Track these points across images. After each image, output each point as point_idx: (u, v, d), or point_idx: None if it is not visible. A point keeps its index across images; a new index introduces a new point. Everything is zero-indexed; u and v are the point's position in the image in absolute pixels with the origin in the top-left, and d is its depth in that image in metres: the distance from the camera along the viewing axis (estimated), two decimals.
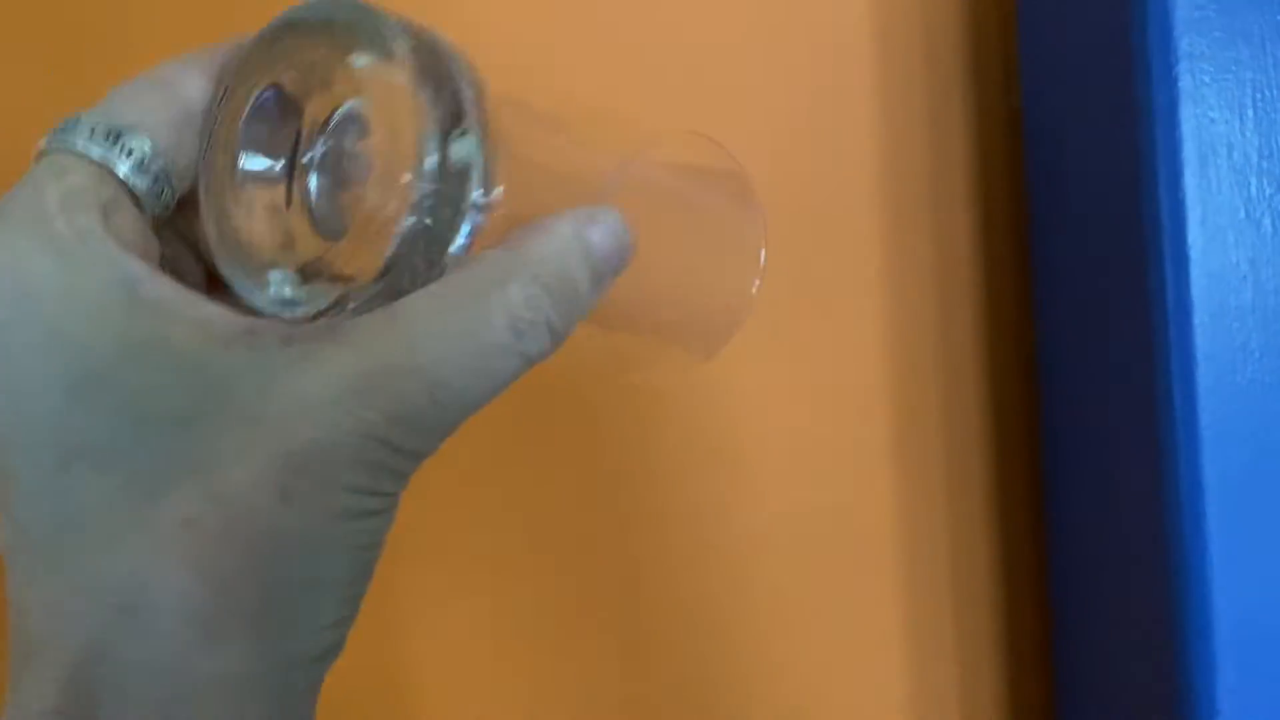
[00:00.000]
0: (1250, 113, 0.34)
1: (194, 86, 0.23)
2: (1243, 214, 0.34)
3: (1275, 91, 0.34)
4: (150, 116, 0.22)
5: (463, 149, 0.20)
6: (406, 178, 0.20)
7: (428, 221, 0.20)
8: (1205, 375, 0.34)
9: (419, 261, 0.20)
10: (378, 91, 0.20)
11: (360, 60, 0.20)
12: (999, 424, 0.43)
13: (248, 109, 0.22)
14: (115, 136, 0.21)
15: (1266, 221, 0.34)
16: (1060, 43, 0.40)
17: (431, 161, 0.20)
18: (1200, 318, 0.34)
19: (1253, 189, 0.34)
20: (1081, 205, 0.39)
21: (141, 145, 0.22)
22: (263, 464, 0.19)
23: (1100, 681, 0.40)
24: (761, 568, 0.41)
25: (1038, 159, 0.42)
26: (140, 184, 0.22)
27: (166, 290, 0.21)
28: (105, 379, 0.20)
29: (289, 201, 0.22)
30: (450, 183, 0.20)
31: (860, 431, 0.42)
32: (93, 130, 0.21)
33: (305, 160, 0.22)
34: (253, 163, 0.22)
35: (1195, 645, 0.34)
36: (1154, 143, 0.34)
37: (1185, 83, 0.34)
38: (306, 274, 0.21)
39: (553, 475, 0.39)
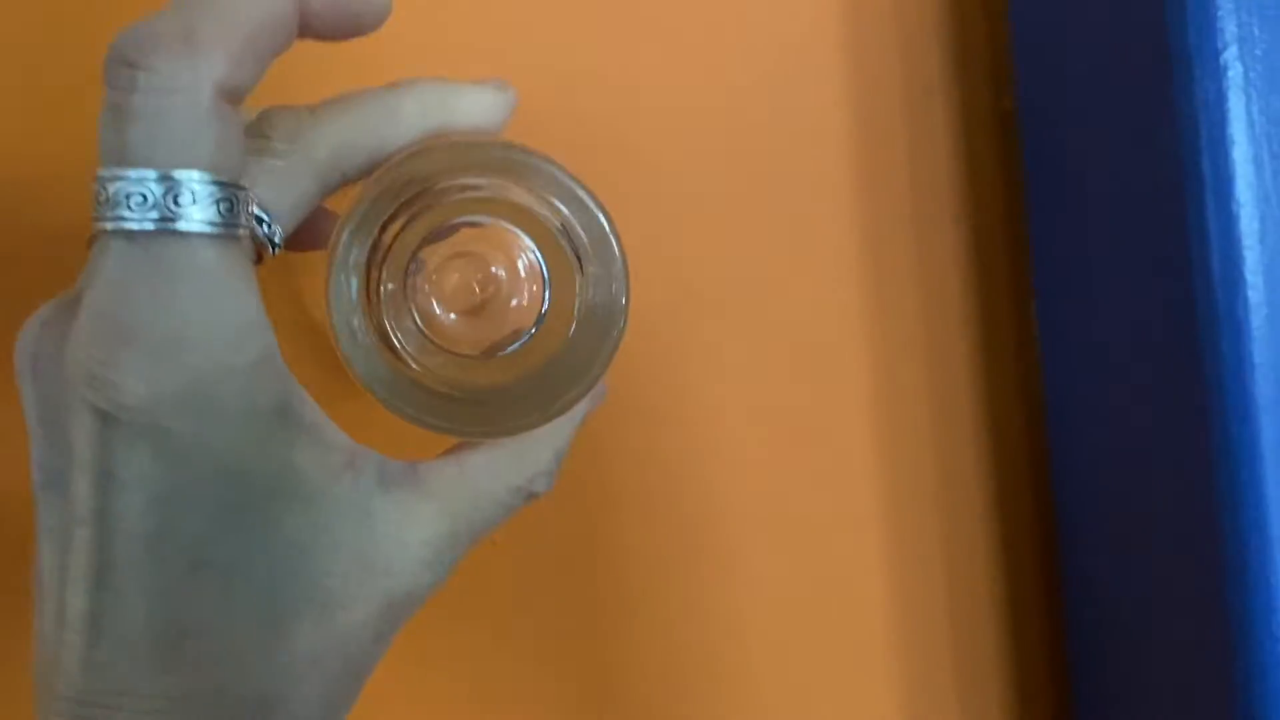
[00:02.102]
0: None
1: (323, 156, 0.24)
2: None
3: None
4: (282, 199, 0.23)
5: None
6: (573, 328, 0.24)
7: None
8: (1270, 432, 0.28)
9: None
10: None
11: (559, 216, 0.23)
12: (1001, 477, 0.38)
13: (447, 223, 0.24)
14: (268, 227, 0.22)
15: None
16: (1064, 28, 0.33)
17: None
18: (1261, 357, 0.28)
19: None
20: (1099, 228, 0.33)
21: (244, 196, 0.21)
22: (371, 609, 0.23)
23: None
24: (753, 654, 0.36)
25: (1038, 172, 0.36)
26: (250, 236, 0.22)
27: (308, 413, 0.22)
28: (252, 503, 0.21)
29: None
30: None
31: (849, 497, 0.37)
32: (258, 219, 0.22)
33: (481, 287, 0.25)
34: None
35: None
36: (1197, 148, 0.28)
37: (1234, 72, 0.28)
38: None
39: (532, 565, 0.35)
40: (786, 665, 0.36)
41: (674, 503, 0.36)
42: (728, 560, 0.36)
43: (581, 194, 0.23)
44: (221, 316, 0.21)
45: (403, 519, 0.23)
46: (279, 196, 0.23)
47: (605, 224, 0.23)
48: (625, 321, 0.24)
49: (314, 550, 0.22)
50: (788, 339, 0.36)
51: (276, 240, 0.23)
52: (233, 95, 0.21)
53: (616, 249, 0.23)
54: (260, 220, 0.22)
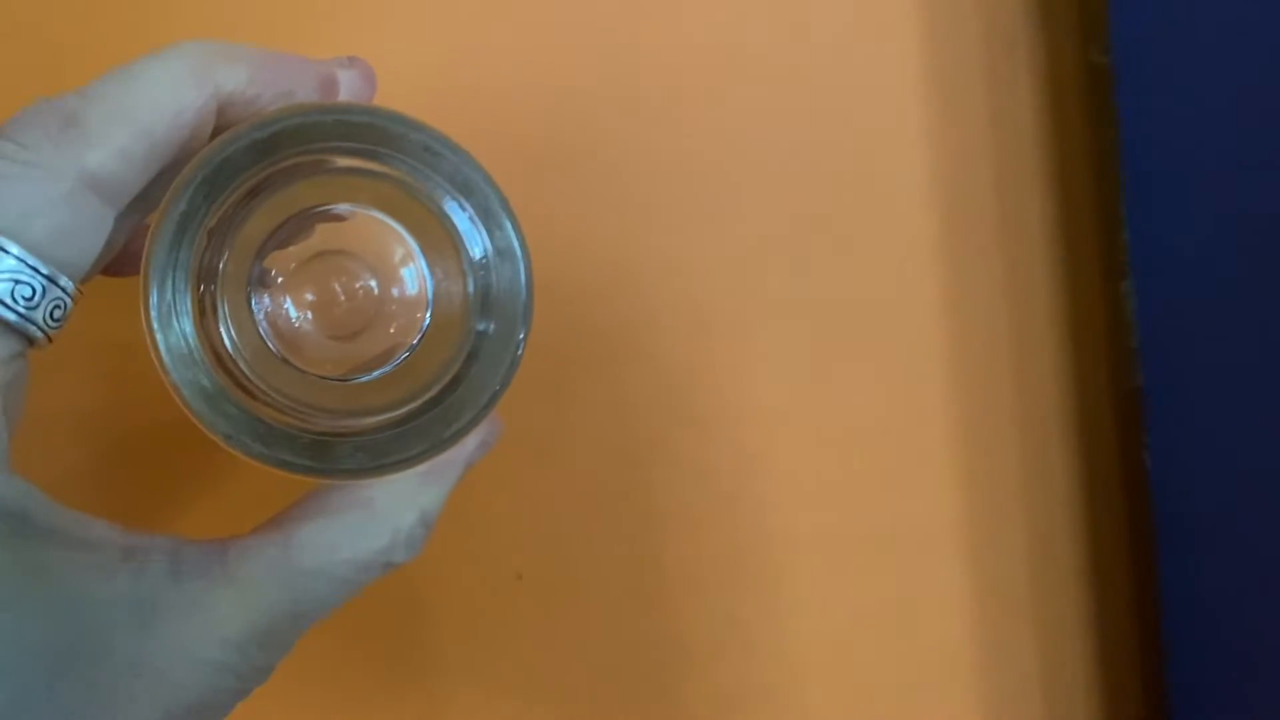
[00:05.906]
0: None
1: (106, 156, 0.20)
2: None
3: None
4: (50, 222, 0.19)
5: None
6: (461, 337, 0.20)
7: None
8: None
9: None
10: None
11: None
12: (1093, 483, 0.34)
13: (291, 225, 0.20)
14: (29, 284, 0.19)
15: None
16: None
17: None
18: None
19: None
20: (1208, 200, 0.29)
21: (56, 294, 0.20)
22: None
23: None
24: (814, 684, 0.34)
25: (1135, 135, 0.31)
26: (37, 329, 0.20)
27: (57, 517, 0.20)
28: None
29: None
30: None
31: (924, 507, 0.34)
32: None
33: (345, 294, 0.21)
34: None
35: None
36: None
37: None
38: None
39: (568, 591, 0.33)
40: (852, 696, 0.34)
41: (728, 519, 0.33)
42: (788, 581, 0.33)
43: (468, 169, 0.19)
44: None
45: (193, 615, 0.20)
46: (58, 237, 0.19)
47: (500, 207, 0.19)
48: (527, 331, 0.20)
49: (80, 665, 0.19)
50: (854, 329, 0.33)
51: (54, 326, 0.20)
52: (105, 188, 0.20)
53: (515, 240, 0.19)
54: (57, 313, 0.20)
